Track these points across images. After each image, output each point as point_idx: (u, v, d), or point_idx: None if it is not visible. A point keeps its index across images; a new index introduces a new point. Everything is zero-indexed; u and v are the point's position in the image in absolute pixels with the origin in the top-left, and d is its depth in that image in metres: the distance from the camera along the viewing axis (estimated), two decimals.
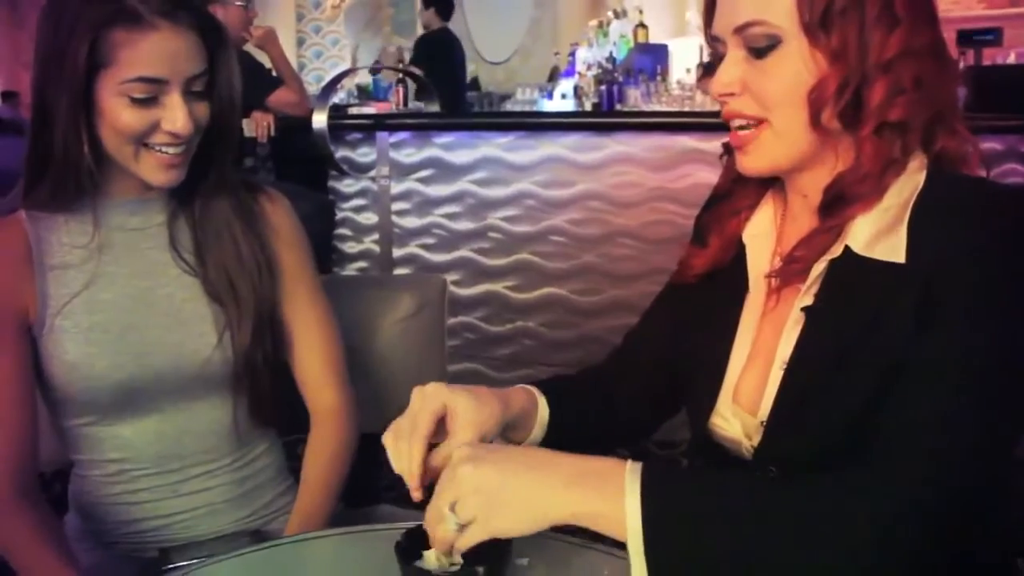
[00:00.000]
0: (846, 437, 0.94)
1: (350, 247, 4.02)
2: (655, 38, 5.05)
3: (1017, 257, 0.89)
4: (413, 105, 4.70)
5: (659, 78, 4.18)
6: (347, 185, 4.00)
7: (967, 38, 3.49)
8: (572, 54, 5.22)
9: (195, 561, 1.08)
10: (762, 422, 1.02)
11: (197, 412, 1.32)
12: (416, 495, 0.97)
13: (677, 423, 1.24)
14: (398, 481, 0.98)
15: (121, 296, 1.28)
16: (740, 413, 1.05)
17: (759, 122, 0.98)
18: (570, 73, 4.99)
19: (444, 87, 4.66)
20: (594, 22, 5.30)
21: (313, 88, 6.05)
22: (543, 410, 1.10)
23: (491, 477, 0.86)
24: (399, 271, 3.86)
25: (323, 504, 1.34)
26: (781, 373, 1.00)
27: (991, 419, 0.87)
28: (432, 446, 0.98)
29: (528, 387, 1.11)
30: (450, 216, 3.78)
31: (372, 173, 3.88)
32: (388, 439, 0.98)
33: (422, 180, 3.82)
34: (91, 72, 1.15)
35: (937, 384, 0.87)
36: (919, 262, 0.91)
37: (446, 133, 3.77)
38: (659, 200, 3.38)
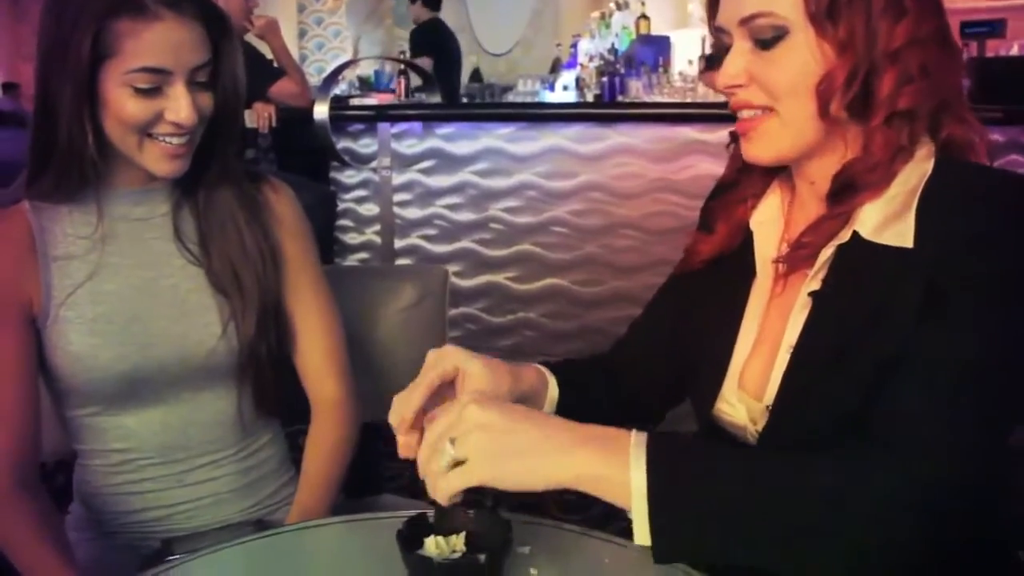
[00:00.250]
0: (851, 422, 0.94)
1: (352, 238, 4.02)
2: (657, 30, 5.03)
3: (1022, 245, 0.89)
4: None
5: (661, 70, 4.17)
6: (348, 176, 3.99)
7: (970, 29, 3.48)
8: (574, 45, 5.21)
9: (198, 551, 1.08)
10: (767, 406, 1.02)
11: (202, 403, 1.32)
12: (403, 451, 0.95)
13: (681, 413, 1.24)
14: (409, 471, 0.96)
15: (125, 287, 1.28)
16: (745, 398, 1.06)
17: (766, 110, 0.98)
18: (572, 65, 4.99)
19: (438, 78, 4.66)
20: (596, 13, 5.28)
21: (315, 79, 6.04)
22: (553, 390, 1.10)
23: (498, 421, 0.85)
24: (401, 262, 3.85)
25: (324, 495, 1.35)
26: (788, 357, 1.00)
27: (990, 413, 0.87)
28: None
29: (539, 366, 1.11)
30: (452, 207, 3.78)
31: (373, 164, 3.88)
32: (398, 396, 0.97)
33: (424, 171, 3.81)
34: (95, 62, 1.15)
35: (938, 376, 0.87)
36: (926, 247, 0.92)
37: (448, 124, 3.77)
38: (661, 191, 3.37)
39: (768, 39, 0.95)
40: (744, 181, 1.12)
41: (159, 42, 1.16)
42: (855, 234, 0.97)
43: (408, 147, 3.83)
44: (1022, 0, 5.67)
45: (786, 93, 0.96)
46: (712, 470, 0.85)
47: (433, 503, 0.90)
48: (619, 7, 5.12)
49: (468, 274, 3.76)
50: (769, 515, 0.83)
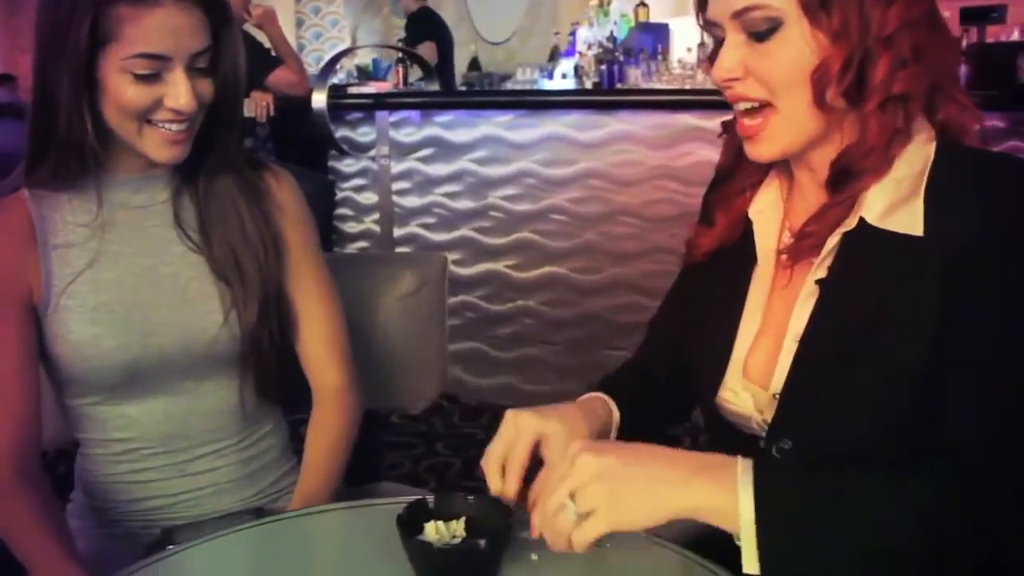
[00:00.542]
0: (863, 410, 0.94)
1: (350, 227, 4.02)
2: (656, 17, 5.01)
3: None
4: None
5: (660, 57, 4.15)
6: (347, 165, 3.99)
7: (971, 16, 3.46)
8: (572, 34, 5.18)
9: (198, 540, 1.08)
10: (775, 395, 1.02)
11: (204, 392, 1.32)
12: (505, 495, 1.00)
13: None
14: (409, 459, 0.98)
15: (125, 275, 1.27)
16: (751, 387, 1.05)
17: (765, 106, 0.98)
18: (570, 53, 4.97)
19: (436, 65, 4.66)
20: (594, 1, 5.25)
21: (312, 69, 6.03)
22: (616, 414, 1.12)
23: (614, 466, 0.87)
24: (400, 250, 3.85)
25: (326, 483, 1.34)
26: (794, 346, 1.00)
27: None
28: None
29: (600, 395, 1.13)
30: (450, 195, 3.78)
31: (372, 153, 3.88)
32: (488, 466, 1.00)
33: (422, 159, 3.81)
34: (93, 48, 1.14)
35: (977, 380, 0.89)
36: (939, 236, 0.92)
37: (446, 112, 3.76)
38: (660, 178, 3.37)
39: (762, 31, 0.95)
40: (741, 171, 1.12)
41: (158, 28, 1.15)
42: (861, 220, 0.97)
43: (407, 135, 3.82)
44: None
45: (782, 84, 0.95)
46: (815, 493, 0.87)
47: (435, 490, 0.90)
48: None
49: (467, 262, 3.76)
50: (872, 535, 0.85)
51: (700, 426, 1.16)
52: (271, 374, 1.34)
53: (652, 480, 0.86)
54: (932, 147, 0.96)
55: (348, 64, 6.41)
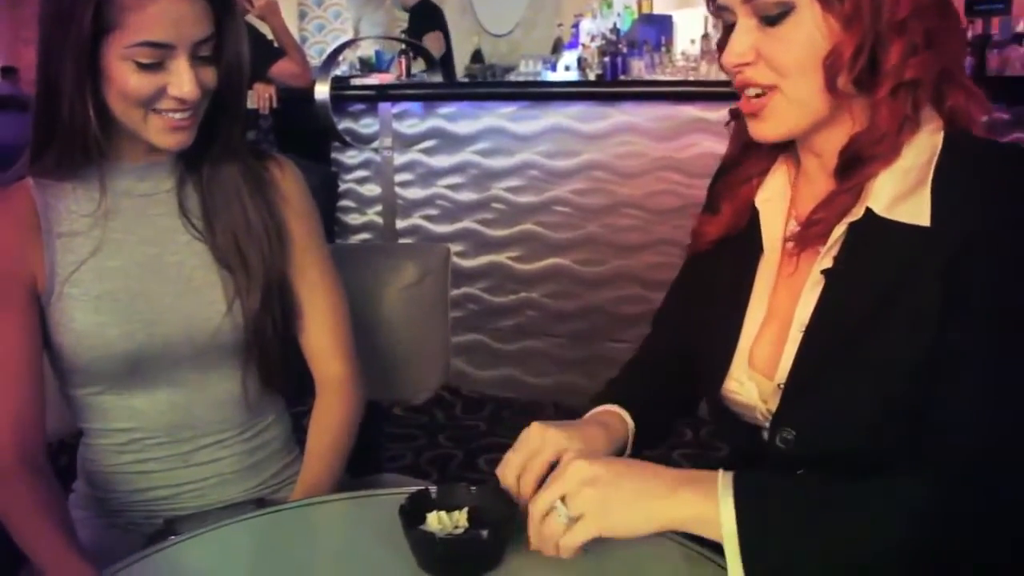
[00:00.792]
0: (866, 400, 0.94)
1: (353, 219, 4.01)
2: (659, 9, 4.99)
3: None
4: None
5: (663, 49, 4.14)
6: (350, 156, 3.99)
7: (975, 6, 3.44)
8: (575, 25, 5.16)
9: (201, 530, 1.08)
10: (779, 385, 1.02)
11: (207, 382, 1.32)
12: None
13: None
14: (410, 451, 0.99)
15: (129, 263, 1.27)
16: (756, 377, 1.05)
17: (771, 88, 0.97)
18: (574, 45, 4.95)
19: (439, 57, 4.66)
20: None
21: (315, 61, 6.02)
22: (630, 426, 1.13)
23: (605, 475, 0.89)
24: (403, 242, 3.85)
25: (328, 474, 1.34)
26: (800, 336, 1.00)
27: None
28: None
29: (614, 409, 1.14)
30: (453, 187, 3.77)
31: (375, 144, 3.87)
32: (504, 474, 1.01)
33: (425, 151, 3.80)
34: (96, 37, 1.14)
35: (978, 375, 0.89)
36: (946, 226, 0.92)
37: (449, 104, 3.76)
38: (663, 170, 3.36)
39: (774, 16, 0.94)
40: (748, 159, 1.11)
41: (161, 16, 1.14)
42: (868, 211, 0.96)
43: (409, 127, 3.82)
44: None
45: (794, 69, 0.95)
46: (797, 501, 0.88)
47: (437, 482, 0.90)
48: None
49: (470, 254, 3.75)
50: (856, 540, 0.85)
51: (703, 418, 1.17)
52: (274, 364, 1.34)
53: (639, 491, 0.88)
54: (940, 137, 0.96)
55: (351, 56, 6.39)
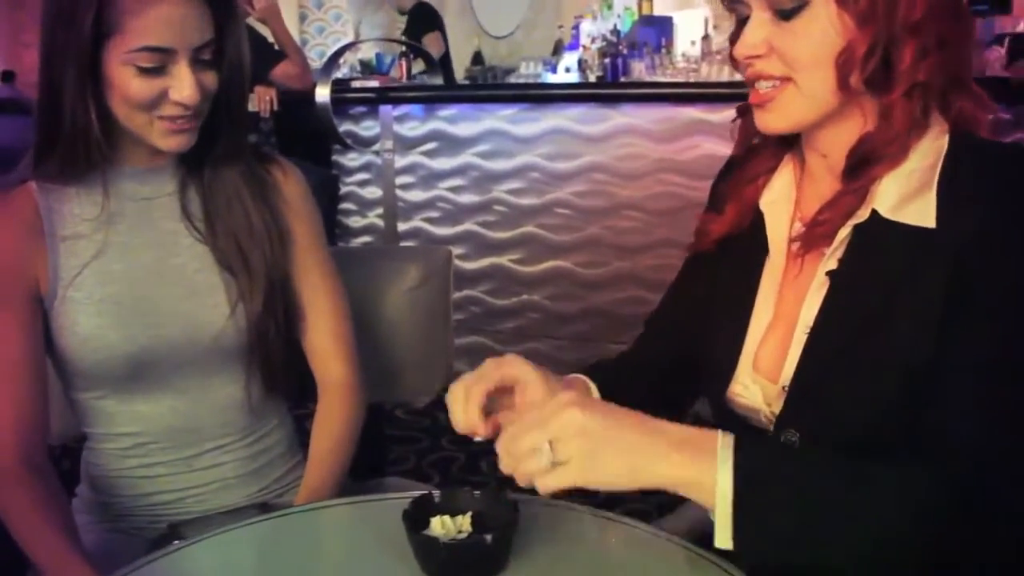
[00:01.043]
0: (870, 402, 0.94)
1: (354, 221, 4.01)
2: (660, 10, 4.99)
3: None
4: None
5: (664, 51, 4.14)
6: (351, 159, 3.98)
7: (975, 6, 3.45)
8: (576, 27, 5.17)
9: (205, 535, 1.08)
10: (783, 387, 1.01)
11: (211, 387, 1.32)
12: (462, 427, 0.99)
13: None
14: (413, 455, 0.98)
15: (133, 267, 1.27)
16: (760, 380, 1.05)
17: (783, 80, 0.97)
18: (574, 46, 4.95)
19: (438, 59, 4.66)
20: None
21: (316, 63, 6.02)
22: (595, 392, 1.12)
23: (599, 426, 0.86)
24: (404, 245, 3.85)
25: (332, 477, 1.34)
26: (804, 338, 1.00)
27: None
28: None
29: (581, 376, 1.13)
30: (455, 189, 3.77)
31: (376, 147, 3.87)
32: (452, 396, 1.00)
33: (426, 153, 3.80)
34: (97, 41, 1.14)
35: (980, 378, 0.88)
36: (951, 228, 0.92)
37: (450, 106, 3.75)
38: (664, 172, 3.36)
39: (789, 9, 0.94)
40: (754, 158, 1.11)
41: (162, 20, 1.15)
42: (874, 212, 0.96)
43: (410, 129, 3.82)
44: None
45: (806, 64, 0.95)
46: (798, 474, 0.86)
47: (439, 485, 0.90)
48: None
49: (472, 256, 3.75)
50: (855, 519, 0.84)
51: (703, 418, 1.16)
52: (277, 367, 1.34)
53: (632, 447, 0.85)
54: (945, 139, 0.96)
55: (351, 58, 6.40)
